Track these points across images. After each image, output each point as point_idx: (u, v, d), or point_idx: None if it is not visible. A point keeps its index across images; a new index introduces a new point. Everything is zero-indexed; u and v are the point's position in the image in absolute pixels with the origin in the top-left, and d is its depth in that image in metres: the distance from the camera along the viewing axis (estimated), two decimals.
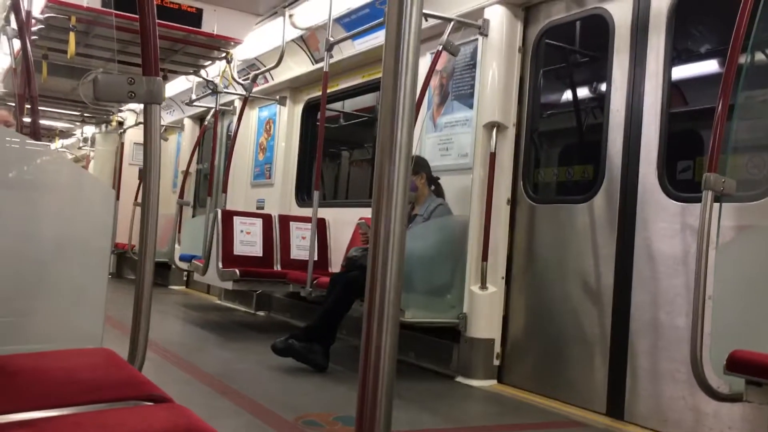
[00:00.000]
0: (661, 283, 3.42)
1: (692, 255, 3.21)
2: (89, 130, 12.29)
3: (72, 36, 5.50)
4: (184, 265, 7.37)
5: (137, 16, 1.68)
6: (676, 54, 3.82)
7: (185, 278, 9.27)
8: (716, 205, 2.55)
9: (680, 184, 3.88)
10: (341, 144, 8.98)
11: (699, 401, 3.13)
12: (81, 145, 13.10)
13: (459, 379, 4.26)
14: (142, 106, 1.68)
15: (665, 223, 3.45)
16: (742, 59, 2.66)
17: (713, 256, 2.53)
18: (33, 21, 5.41)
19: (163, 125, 9.81)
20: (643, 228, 3.55)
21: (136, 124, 10.16)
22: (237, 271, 5.55)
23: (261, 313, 7.09)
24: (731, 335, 2.52)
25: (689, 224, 3.32)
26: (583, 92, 5.16)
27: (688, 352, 2.52)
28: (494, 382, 4.24)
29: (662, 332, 3.39)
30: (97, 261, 2.21)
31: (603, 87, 4.06)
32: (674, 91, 3.94)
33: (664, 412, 3.33)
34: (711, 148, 2.54)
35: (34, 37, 5.65)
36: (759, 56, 3.04)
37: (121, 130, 10.68)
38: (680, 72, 4.46)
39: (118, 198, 9.05)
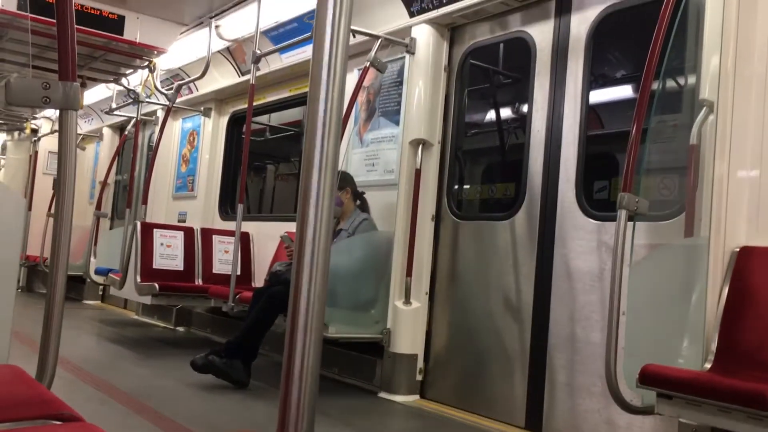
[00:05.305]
0: (578, 299, 3.53)
1: (607, 272, 3.33)
2: (0, 137, 11.75)
3: None
4: (100, 279, 7.12)
5: (54, 21, 1.62)
6: (594, 78, 3.97)
7: (101, 293, 8.95)
8: (630, 223, 2.66)
9: (597, 203, 4.02)
10: (267, 157, 8.90)
11: (613, 414, 3.23)
12: None
13: (382, 394, 4.26)
14: (58, 113, 1.61)
15: (582, 240, 3.56)
16: (655, 85, 2.80)
17: (627, 273, 2.62)
18: None
19: (80, 134, 9.50)
20: (562, 245, 3.66)
21: (52, 132, 9.79)
22: (156, 285, 5.40)
23: (180, 329, 6.90)
24: (643, 350, 2.62)
25: (605, 242, 3.44)
26: (506, 112, 5.29)
27: (603, 366, 2.60)
28: (417, 397, 4.26)
29: (579, 347, 3.48)
30: (5, 273, 2.10)
31: (525, 108, 4.17)
32: (591, 114, 4.09)
33: (580, 424, 3.42)
34: (625, 169, 2.65)
35: None
36: (670, 83, 3.19)
37: (35, 138, 10.26)
38: (597, 96, 4.64)
39: (30, 208, 8.67)
